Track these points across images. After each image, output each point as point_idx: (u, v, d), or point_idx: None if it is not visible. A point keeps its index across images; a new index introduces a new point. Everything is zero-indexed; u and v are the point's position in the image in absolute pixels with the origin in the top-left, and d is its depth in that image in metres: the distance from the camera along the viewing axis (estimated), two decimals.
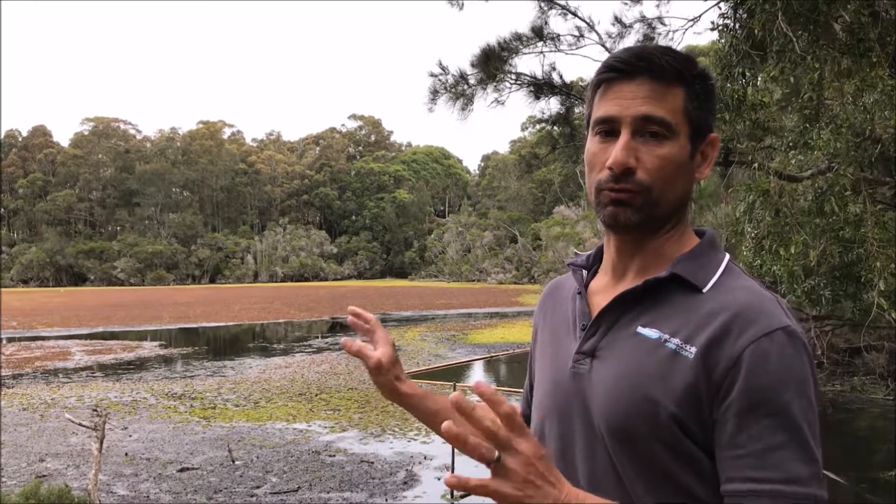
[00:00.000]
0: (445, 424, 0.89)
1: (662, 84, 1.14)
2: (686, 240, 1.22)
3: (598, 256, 1.32)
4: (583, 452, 1.16)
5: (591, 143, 1.19)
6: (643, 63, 1.14)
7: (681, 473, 1.08)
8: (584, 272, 1.31)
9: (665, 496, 1.09)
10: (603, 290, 1.25)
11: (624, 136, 1.13)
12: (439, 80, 8.43)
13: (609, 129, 1.16)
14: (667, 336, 1.11)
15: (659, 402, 1.07)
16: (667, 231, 1.20)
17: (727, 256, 1.20)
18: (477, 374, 18.99)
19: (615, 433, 1.11)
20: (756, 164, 7.17)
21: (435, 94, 8.50)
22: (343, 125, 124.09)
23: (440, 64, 8.46)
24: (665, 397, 1.07)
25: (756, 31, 5.92)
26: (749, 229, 7.38)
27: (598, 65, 1.22)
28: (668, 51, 1.18)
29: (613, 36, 8.12)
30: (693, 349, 1.07)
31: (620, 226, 1.16)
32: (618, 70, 1.16)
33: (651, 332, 1.13)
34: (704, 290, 1.13)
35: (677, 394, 1.07)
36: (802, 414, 1.04)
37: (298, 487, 8.91)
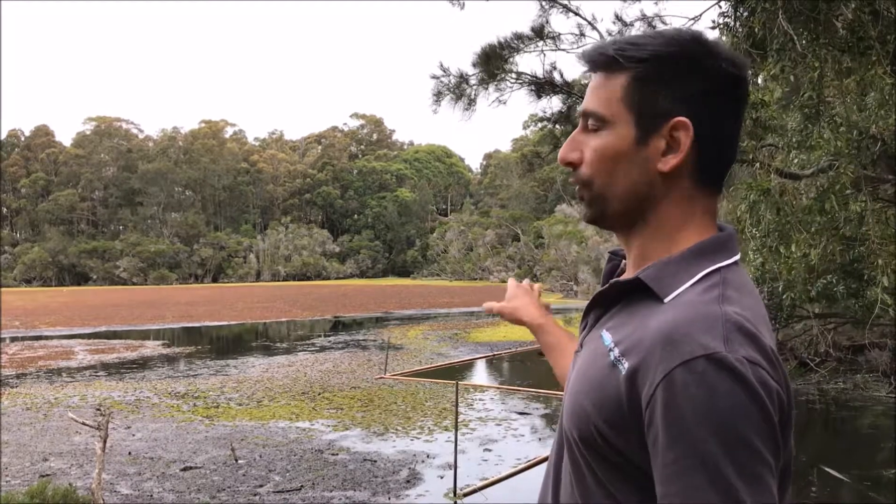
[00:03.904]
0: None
1: (605, 75, 1.11)
2: (679, 242, 1.11)
3: None
4: (554, 446, 1.18)
5: None
6: (594, 56, 1.13)
7: (614, 484, 1.02)
8: (623, 262, 1.24)
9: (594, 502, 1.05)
10: None
11: (575, 132, 1.14)
12: (441, 81, 8.46)
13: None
14: (612, 344, 1.04)
15: (587, 408, 1.02)
16: (642, 229, 1.12)
17: (716, 265, 1.07)
18: (479, 373, 19.00)
19: (562, 433, 1.12)
20: (758, 164, 7.18)
21: (438, 95, 8.53)
22: (345, 124, 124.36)
23: (441, 66, 8.50)
24: (594, 407, 1.01)
25: (756, 30, 5.93)
26: (750, 227, 7.39)
27: None
28: (625, 38, 1.12)
29: (613, 34, 8.12)
30: (626, 365, 0.99)
31: (588, 223, 1.19)
32: (588, 67, 1.17)
33: (606, 337, 1.07)
34: (665, 301, 1.03)
35: (604, 405, 1.00)
36: (725, 451, 0.90)
37: (301, 486, 8.93)
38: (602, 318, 1.14)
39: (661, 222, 1.11)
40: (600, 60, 1.11)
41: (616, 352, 1.02)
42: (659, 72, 1.07)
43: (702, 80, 1.08)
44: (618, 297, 1.12)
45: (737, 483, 0.89)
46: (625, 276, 1.14)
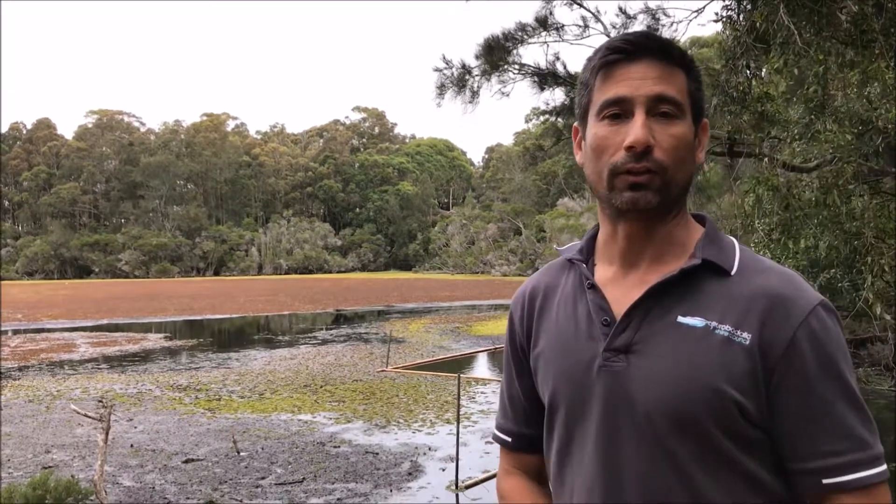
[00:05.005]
0: None
1: (669, 66, 1.15)
2: (691, 225, 1.22)
3: (589, 248, 1.30)
4: (633, 449, 1.14)
5: (599, 128, 1.17)
6: (651, 44, 1.15)
7: (742, 457, 1.11)
8: (584, 265, 1.27)
9: (727, 481, 1.11)
10: (612, 282, 1.22)
11: (640, 115, 1.13)
12: (444, 74, 8.44)
13: (619, 111, 1.14)
14: (714, 323, 1.12)
15: (720, 388, 1.09)
16: (674, 216, 1.19)
17: (732, 239, 1.22)
18: (481, 366, 19.02)
19: (675, 424, 1.11)
20: (766, 158, 7.16)
21: (442, 88, 8.51)
22: (347, 117, 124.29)
23: (444, 58, 8.47)
24: (726, 383, 1.09)
25: (758, 24, 5.90)
26: (758, 222, 7.37)
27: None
28: (669, 40, 1.20)
29: (618, 27, 8.10)
30: (747, 335, 1.10)
31: (639, 210, 1.14)
32: (623, 52, 1.15)
33: (695, 321, 1.13)
34: (732, 273, 1.15)
35: (737, 379, 1.09)
36: (853, 379, 1.11)
37: (303, 478, 8.94)
38: (653, 310, 1.16)
39: (683, 209, 1.22)
40: (660, 49, 1.16)
41: (725, 328, 1.11)
42: (699, 75, 1.21)
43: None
44: (666, 287, 1.16)
45: (862, 402, 1.12)
46: (688, 263, 1.16)
